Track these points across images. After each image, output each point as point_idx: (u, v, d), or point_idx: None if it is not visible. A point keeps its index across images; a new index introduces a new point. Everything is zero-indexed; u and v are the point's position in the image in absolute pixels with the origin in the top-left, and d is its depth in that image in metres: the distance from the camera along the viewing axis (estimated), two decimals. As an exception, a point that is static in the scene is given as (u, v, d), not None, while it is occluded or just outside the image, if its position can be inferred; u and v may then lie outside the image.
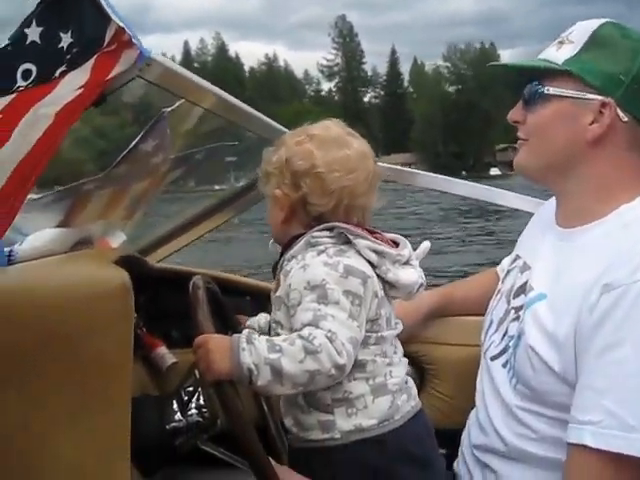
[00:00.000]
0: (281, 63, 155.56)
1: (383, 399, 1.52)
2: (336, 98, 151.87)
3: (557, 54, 1.56)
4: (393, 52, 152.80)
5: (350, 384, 1.49)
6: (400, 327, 1.65)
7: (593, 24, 1.56)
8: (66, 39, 1.22)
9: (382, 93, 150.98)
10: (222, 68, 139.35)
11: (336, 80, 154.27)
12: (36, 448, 1.31)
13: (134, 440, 1.37)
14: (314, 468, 1.52)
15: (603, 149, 1.51)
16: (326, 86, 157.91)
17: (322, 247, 1.51)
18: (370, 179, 1.56)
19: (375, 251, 1.52)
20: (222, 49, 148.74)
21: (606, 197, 1.53)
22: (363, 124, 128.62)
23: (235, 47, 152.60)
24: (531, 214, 2.00)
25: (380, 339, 1.54)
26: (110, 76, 1.27)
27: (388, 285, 1.56)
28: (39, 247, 1.83)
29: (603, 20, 1.57)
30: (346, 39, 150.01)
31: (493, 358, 1.69)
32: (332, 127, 1.60)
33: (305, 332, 1.39)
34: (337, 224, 1.52)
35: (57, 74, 1.23)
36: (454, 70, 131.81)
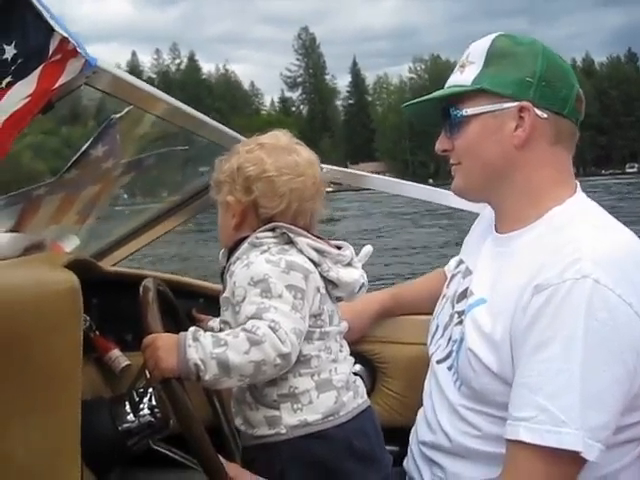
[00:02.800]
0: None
1: (328, 394, 1.56)
2: (301, 108, 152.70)
3: (463, 77, 1.62)
4: (355, 63, 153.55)
5: (295, 379, 1.53)
6: (344, 325, 1.69)
7: (486, 41, 1.62)
8: (10, 50, 1.23)
9: (345, 103, 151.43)
10: (195, 79, 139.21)
11: (299, 91, 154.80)
12: None
13: (87, 442, 1.38)
14: (263, 464, 1.56)
15: (532, 150, 1.57)
16: (285, 96, 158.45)
17: (265, 247, 1.56)
18: (317, 184, 1.63)
19: (316, 249, 1.57)
20: (192, 60, 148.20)
21: (538, 200, 1.58)
22: (330, 134, 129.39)
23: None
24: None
25: (324, 334, 1.58)
26: (57, 85, 1.29)
27: (331, 284, 1.61)
28: (-10, 251, 1.83)
29: (494, 35, 1.63)
30: (308, 50, 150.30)
31: (439, 361, 1.73)
32: (281, 136, 1.67)
33: (249, 324, 1.43)
34: (279, 224, 1.57)
35: (3, 85, 1.25)
36: (419, 81, 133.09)
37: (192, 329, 1.49)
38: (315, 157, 1.67)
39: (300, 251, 1.56)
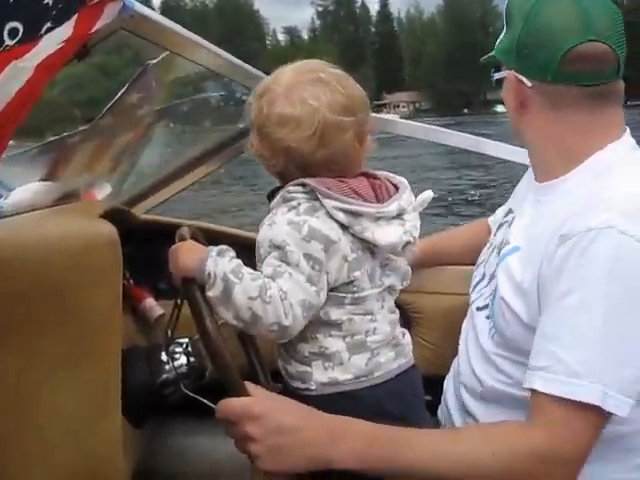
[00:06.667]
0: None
1: (360, 356, 1.50)
2: (332, 37, 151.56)
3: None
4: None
5: (326, 340, 1.48)
6: (390, 280, 1.58)
7: None
8: None
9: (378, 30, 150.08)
10: (235, 6, 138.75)
11: (329, 20, 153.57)
12: (31, 398, 1.33)
13: (124, 391, 1.41)
14: None
15: (530, 115, 1.57)
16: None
17: (295, 202, 1.45)
18: None
19: (346, 211, 1.44)
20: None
21: (566, 153, 1.55)
22: (365, 63, 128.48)
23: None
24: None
25: (359, 299, 1.50)
26: (93, 30, 1.25)
27: (371, 242, 1.49)
28: (24, 201, 1.82)
29: None
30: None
31: (479, 309, 1.72)
32: None
33: (267, 280, 1.38)
34: (306, 180, 1.45)
35: (43, 31, 1.20)
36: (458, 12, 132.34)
37: (223, 246, 1.43)
38: None
39: (328, 212, 1.44)
